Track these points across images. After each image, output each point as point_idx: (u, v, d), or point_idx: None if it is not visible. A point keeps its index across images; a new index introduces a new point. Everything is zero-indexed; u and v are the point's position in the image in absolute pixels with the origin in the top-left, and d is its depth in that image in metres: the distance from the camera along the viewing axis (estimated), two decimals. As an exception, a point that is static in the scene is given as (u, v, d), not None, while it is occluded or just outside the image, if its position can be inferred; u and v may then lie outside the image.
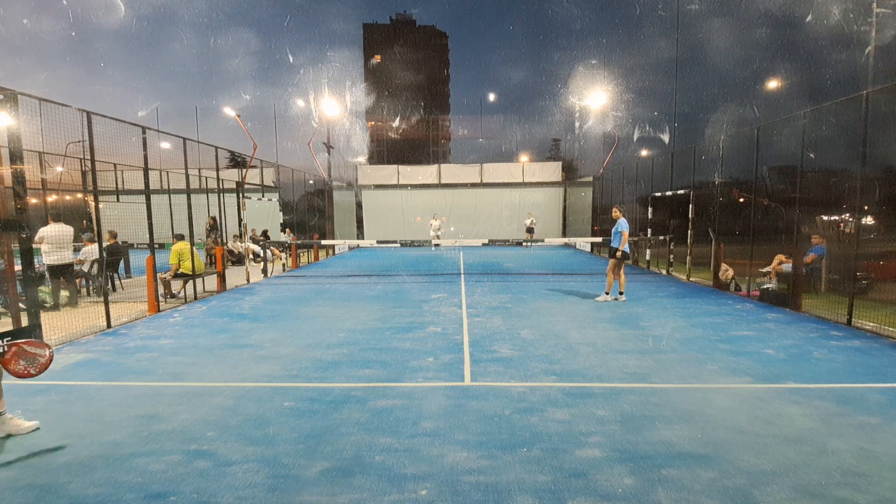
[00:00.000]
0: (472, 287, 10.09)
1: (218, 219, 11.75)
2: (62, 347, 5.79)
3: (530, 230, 21.01)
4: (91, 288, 9.72)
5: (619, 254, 8.11)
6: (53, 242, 8.24)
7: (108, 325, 6.72)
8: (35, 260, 6.13)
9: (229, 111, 23.06)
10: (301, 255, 16.34)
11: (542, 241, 22.07)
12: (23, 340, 3.19)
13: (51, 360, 3.32)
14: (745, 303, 8.25)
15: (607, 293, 8.22)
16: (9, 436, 3.38)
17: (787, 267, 8.38)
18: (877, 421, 3.51)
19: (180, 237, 9.36)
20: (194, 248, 9.21)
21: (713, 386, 4.27)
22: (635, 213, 15.40)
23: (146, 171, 8.16)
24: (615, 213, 8.39)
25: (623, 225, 8.08)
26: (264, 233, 16.87)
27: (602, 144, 23.92)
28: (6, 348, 3.09)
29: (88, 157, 6.90)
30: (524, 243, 20.52)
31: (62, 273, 8.35)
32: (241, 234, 13.14)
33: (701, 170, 11.12)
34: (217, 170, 11.38)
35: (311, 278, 12.16)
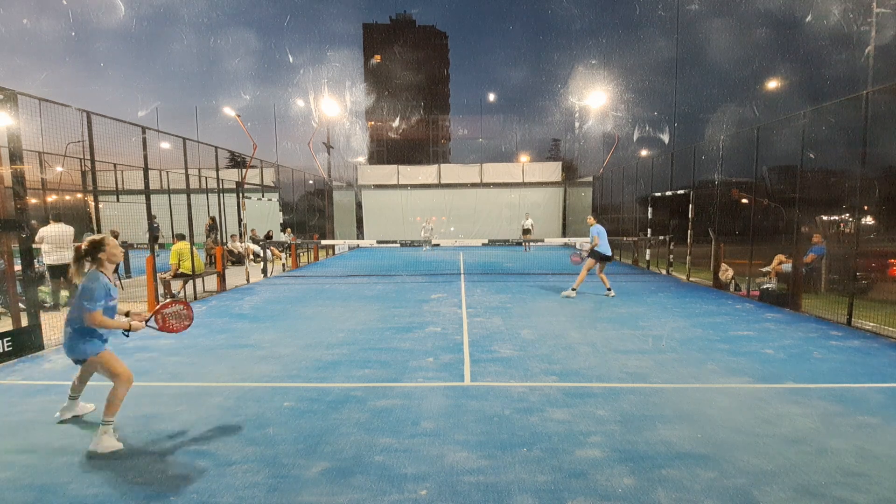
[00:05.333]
0: (471, 287, 10.09)
1: (218, 219, 11.76)
2: (62, 347, 5.78)
3: (527, 231, 19.76)
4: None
5: (584, 254, 9.05)
6: (53, 242, 8.24)
7: (108, 325, 6.71)
8: (35, 260, 6.13)
9: (229, 111, 23.05)
10: (301, 255, 16.34)
11: (542, 241, 22.08)
12: (160, 306, 3.59)
13: (191, 310, 3.77)
14: (744, 303, 8.25)
15: (574, 289, 8.72)
16: (75, 417, 3.70)
17: (787, 267, 8.38)
18: (877, 421, 3.51)
19: (181, 237, 9.36)
20: (194, 248, 9.21)
21: (713, 386, 4.27)
22: (635, 212, 15.41)
23: (146, 171, 8.17)
24: (589, 220, 9.11)
25: (593, 231, 8.75)
26: (267, 235, 16.86)
27: (602, 144, 23.93)
28: (156, 322, 3.52)
29: (88, 157, 6.91)
30: (523, 243, 20.04)
31: (62, 273, 8.35)
32: (240, 234, 13.14)
33: (701, 170, 11.13)
34: (217, 170, 11.39)
35: (311, 278, 12.16)
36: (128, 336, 3.33)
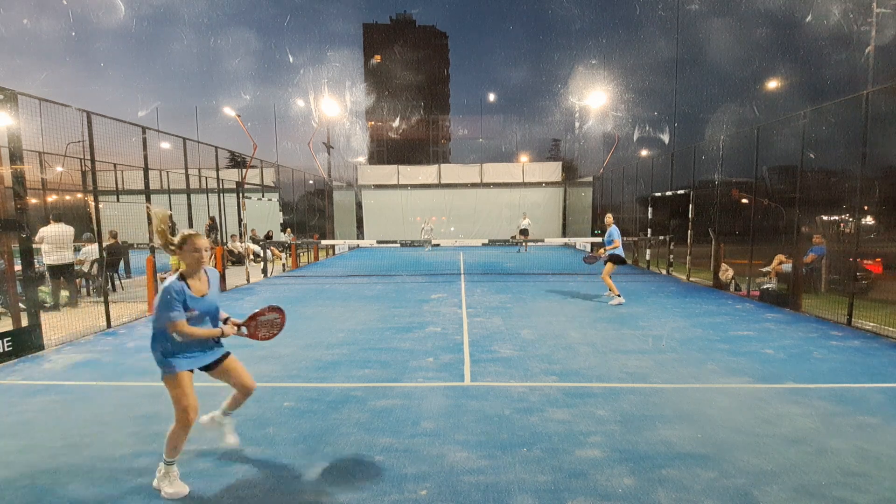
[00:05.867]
0: (471, 287, 10.09)
1: (218, 219, 11.76)
2: (62, 347, 5.79)
3: (524, 232, 18.60)
4: (91, 288, 9.72)
5: (601, 252, 8.43)
6: (53, 242, 8.23)
7: (108, 325, 6.72)
8: (35, 260, 6.13)
9: (229, 111, 23.04)
10: (301, 255, 16.33)
11: (542, 241, 22.07)
12: (256, 312, 3.27)
13: (285, 319, 3.41)
14: (745, 303, 8.25)
15: (618, 294, 8.03)
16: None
17: (787, 267, 8.38)
18: (877, 421, 3.51)
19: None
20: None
21: (713, 386, 4.27)
22: (635, 212, 15.41)
23: (146, 171, 8.17)
24: (608, 219, 8.44)
25: (614, 233, 8.18)
26: (267, 235, 16.86)
27: (602, 144, 23.95)
28: (247, 328, 3.18)
29: (88, 157, 6.91)
30: (519, 244, 19.24)
31: (62, 273, 8.35)
32: (240, 235, 13.14)
33: (701, 170, 11.13)
34: (217, 170, 11.39)
35: (311, 278, 12.16)
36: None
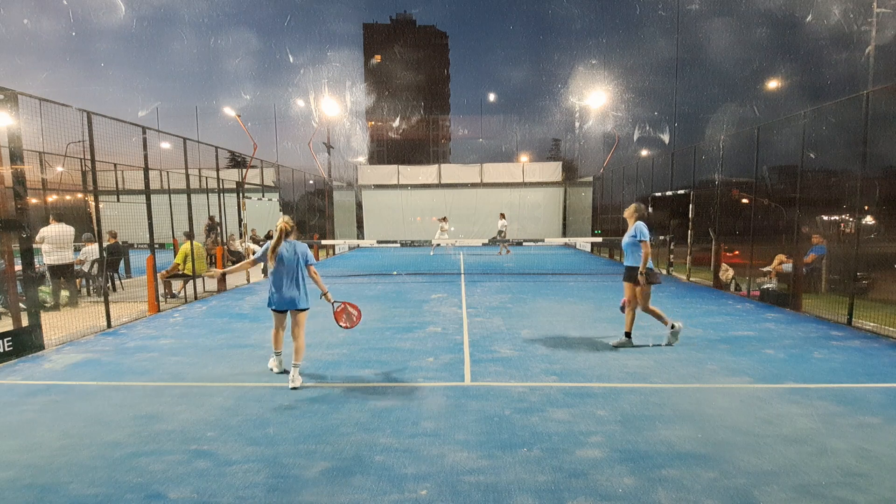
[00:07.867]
0: (471, 287, 10.09)
1: (217, 219, 11.75)
2: (62, 347, 5.79)
3: (500, 233, 17.22)
4: (91, 288, 9.73)
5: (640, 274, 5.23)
6: (54, 242, 8.24)
7: (109, 325, 6.72)
8: (35, 260, 6.13)
9: (229, 111, 23.06)
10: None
11: (542, 240, 22.07)
12: (346, 302, 4.75)
13: (360, 318, 4.80)
14: (745, 303, 8.25)
15: (674, 326, 5.46)
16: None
17: (788, 267, 8.38)
18: (877, 421, 3.51)
19: (189, 237, 9.31)
20: (202, 249, 9.20)
21: (713, 386, 4.27)
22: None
23: (146, 171, 8.17)
24: (627, 213, 5.45)
25: (639, 231, 5.26)
26: (268, 235, 16.84)
27: (602, 144, 23.95)
28: (338, 306, 4.72)
29: (88, 157, 6.91)
30: (497, 243, 17.93)
31: (62, 273, 8.35)
32: (240, 234, 13.14)
33: (701, 170, 11.13)
34: (217, 170, 11.38)
35: (311, 278, 12.14)
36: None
